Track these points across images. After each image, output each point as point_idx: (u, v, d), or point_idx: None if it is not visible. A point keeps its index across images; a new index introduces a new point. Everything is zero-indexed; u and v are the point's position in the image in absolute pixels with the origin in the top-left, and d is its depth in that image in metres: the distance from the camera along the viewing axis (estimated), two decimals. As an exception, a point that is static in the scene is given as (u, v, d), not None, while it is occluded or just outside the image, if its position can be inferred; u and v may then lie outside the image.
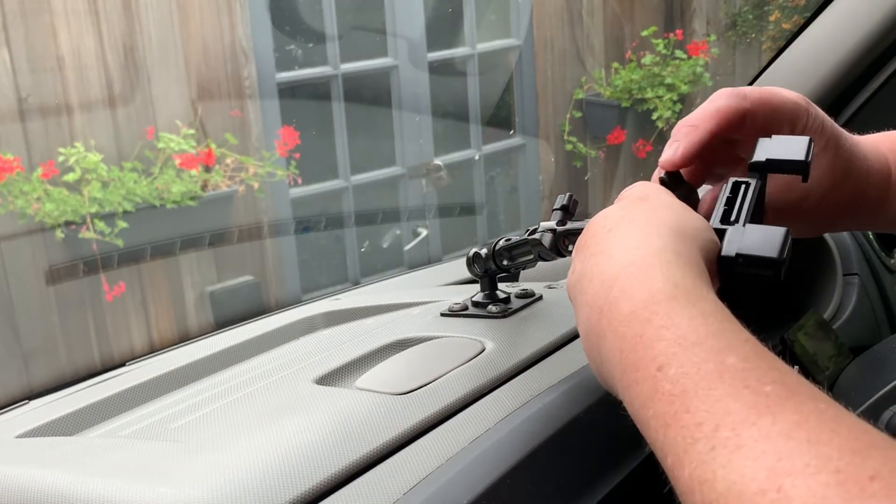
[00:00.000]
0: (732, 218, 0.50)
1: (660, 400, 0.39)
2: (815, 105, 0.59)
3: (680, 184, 0.57)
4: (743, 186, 0.52)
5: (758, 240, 0.48)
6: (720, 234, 0.50)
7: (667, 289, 0.43)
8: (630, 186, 0.56)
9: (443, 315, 0.77)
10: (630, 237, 0.48)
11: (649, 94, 3.63)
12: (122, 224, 2.72)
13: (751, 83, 1.09)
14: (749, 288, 0.48)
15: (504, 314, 0.75)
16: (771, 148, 0.54)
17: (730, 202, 0.51)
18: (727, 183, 0.53)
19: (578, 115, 3.76)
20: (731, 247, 0.48)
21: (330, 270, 3.39)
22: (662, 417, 0.39)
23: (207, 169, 2.90)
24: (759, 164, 0.54)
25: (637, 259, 0.46)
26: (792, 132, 0.58)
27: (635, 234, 0.48)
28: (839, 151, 0.59)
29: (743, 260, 0.47)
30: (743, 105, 0.57)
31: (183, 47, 2.84)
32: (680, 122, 0.59)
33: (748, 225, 0.49)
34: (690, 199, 0.57)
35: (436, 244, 3.48)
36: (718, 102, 0.57)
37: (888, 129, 0.65)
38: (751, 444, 0.35)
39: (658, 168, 0.58)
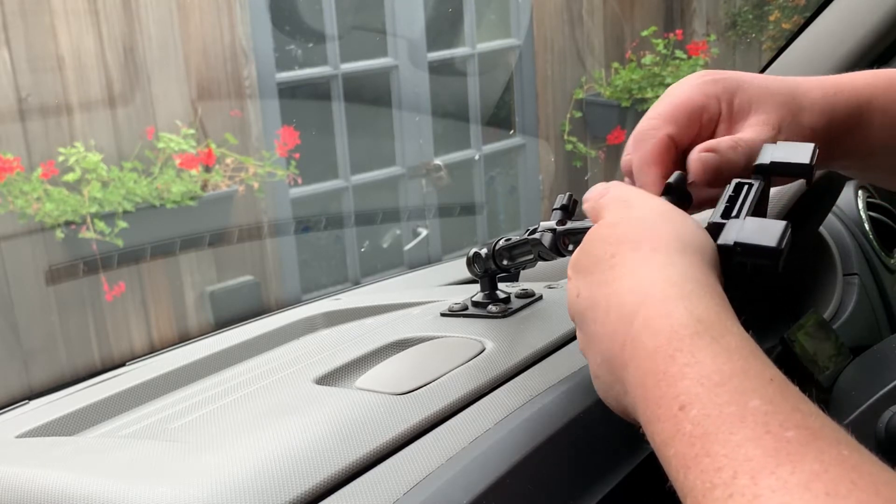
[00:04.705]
0: (733, 214, 0.50)
1: (681, 441, 0.39)
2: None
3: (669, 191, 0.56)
4: (745, 187, 0.52)
5: (756, 230, 0.47)
6: (718, 228, 0.49)
7: (690, 323, 0.42)
8: (596, 190, 0.55)
9: (443, 315, 0.77)
10: (640, 266, 0.47)
11: (649, 94, 3.63)
12: (122, 224, 2.72)
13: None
14: (748, 281, 0.48)
15: (504, 314, 0.75)
16: (776, 152, 0.54)
17: (731, 200, 0.51)
18: (730, 183, 0.53)
19: (578, 115, 3.76)
20: (729, 236, 0.48)
21: (330, 270, 3.39)
22: (683, 459, 0.38)
23: (207, 169, 2.90)
24: (763, 166, 0.54)
25: (656, 292, 0.45)
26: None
27: (644, 262, 0.47)
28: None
29: (741, 249, 0.47)
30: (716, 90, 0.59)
31: (183, 47, 2.84)
32: None
33: (748, 218, 0.49)
34: (681, 197, 0.56)
35: (436, 244, 3.48)
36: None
37: None
38: (768, 495, 0.34)
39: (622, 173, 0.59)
